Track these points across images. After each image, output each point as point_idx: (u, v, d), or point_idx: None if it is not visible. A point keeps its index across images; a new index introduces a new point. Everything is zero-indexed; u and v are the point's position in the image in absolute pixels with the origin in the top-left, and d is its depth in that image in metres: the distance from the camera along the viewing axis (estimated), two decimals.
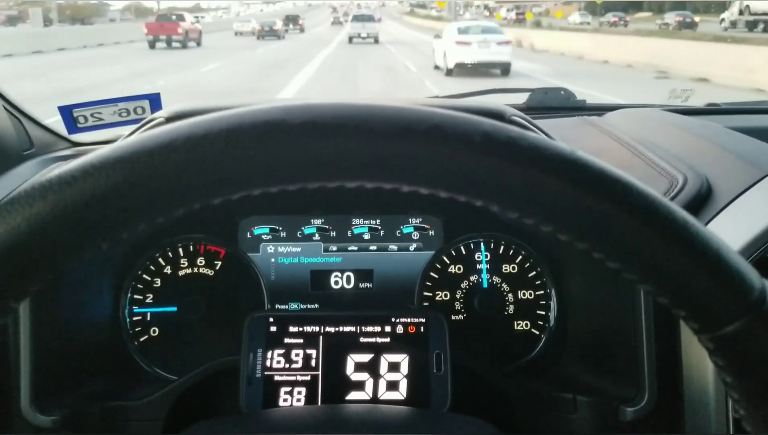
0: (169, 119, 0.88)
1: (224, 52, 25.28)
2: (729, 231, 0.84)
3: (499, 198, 0.39)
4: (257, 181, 0.38)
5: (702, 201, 0.92)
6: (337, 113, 0.38)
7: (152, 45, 27.35)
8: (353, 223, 1.15)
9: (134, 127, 1.15)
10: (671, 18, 36.30)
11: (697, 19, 36.16)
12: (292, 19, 43.35)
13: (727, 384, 0.40)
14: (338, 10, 70.63)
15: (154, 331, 1.09)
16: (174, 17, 28.40)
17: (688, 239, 0.38)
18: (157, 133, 0.37)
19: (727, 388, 0.40)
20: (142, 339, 1.09)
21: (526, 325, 1.11)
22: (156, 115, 0.92)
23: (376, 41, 31.30)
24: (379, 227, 1.15)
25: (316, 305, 1.13)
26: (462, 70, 16.18)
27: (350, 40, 31.53)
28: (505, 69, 16.80)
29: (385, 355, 0.94)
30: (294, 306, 1.13)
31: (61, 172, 0.37)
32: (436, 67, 17.80)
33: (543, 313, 1.11)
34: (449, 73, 16.44)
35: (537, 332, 1.11)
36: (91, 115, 1.42)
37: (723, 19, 33.50)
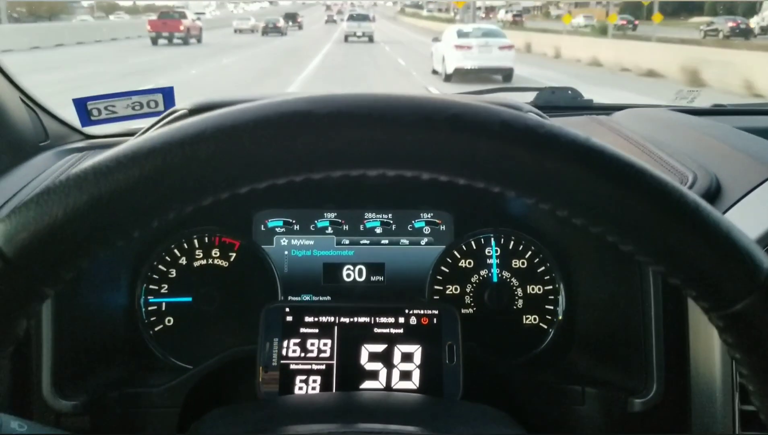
0: (192, 111, 0.90)
1: (236, 48, 26.58)
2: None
3: (517, 184, 0.40)
4: (284, 169, 0.39)
5: (711, 198, 0.94)
6: (361, 103, 0.39)
7: (155, 41, 27.82)
8: (365, 217, 1.17)
9: (153, 119, 1.16)
10: (722, 23, 30.25)
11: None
12: (291, 17, 45.20)
13: (737, 360, 0.42)
14: (332, 8, 71.90)
15: (169, 321, 1.11)
16: (176, 15, 28.87)
17: (699, 221, 0.39)
18: (187, 124, 0.39)
19: (737, 364, 0.42)
20: (157, 328, 1.11)
21: (535, 319, 1.13)
22: (179, 107, 0.93)
23: (371, 40, 32.00)
24: (391, 221, 1.17)
25: (328, 297, 1.15)
26: (462, 75, 15.40)
27: (346, 38, 32.06)
28: (507, 75, 15.92)
29: (398, 346, 0.96)
30: (306, 298, 1.15)
31: (95, 163, 0.38)
32: (434, 72, 16.94)
33: (551, 307, 1.13)
34: (448, 78, 15.64)
35: (545, 326, 1.13)
36: (105, 108, 1.43)
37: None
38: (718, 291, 0.40)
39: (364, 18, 34.10)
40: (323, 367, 0.95)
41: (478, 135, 0.39)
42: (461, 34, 16.62)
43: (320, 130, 0.38)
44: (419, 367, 0.95)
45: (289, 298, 1.14)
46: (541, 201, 0.40)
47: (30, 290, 0.39)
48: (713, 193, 0.95)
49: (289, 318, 0.97)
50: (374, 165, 0.40)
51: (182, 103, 0.90)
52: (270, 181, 0.40)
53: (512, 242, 1.15)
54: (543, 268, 1.14)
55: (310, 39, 33.83)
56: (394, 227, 1.17)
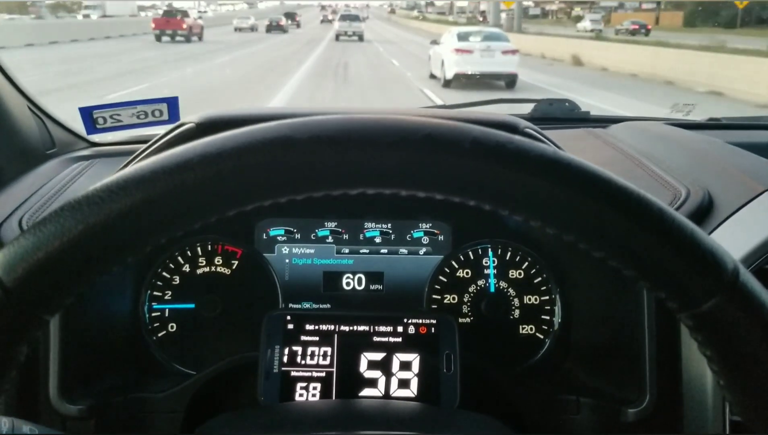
0: (199, 124, 0.92)
1: (246, 44, 29.62)
2: (729, 242, 0.88)
3: (490, 198, 0.43)
4: (267, 193, 0.42)
5: (704, 213, 0.96)
6: (340, 126, 0.42)
7: (158, 38, 29.19)
8: (365, 226, 1.19)
9: (159, 128, 1.18)
10: None
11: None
12: (290, 16, 49.07)
13: (707, 357, 0.44)
14: (327, 9, 74.56)
15: (172, 327, 1.13)
16: (179, 13, 30.30)
17: (664, 225, 0.42)
18: (176, 153, 0.42)
19: (708, 361, 0.44)
20: (160, 334, 1.13)
21: (531, 329, 1.15)
22: (186, 120, 0.96)
23: (361, 39, 33.80)
24: (390, 231, 1.19)
25: (328, 305, 1.17)
26: (462, 81, 14.62)
27: (337, 37, 33.83)
28: (510, 81, 14.98)
29: (397, 354, 0.98)
30: (307, 305, 1.17)
31: (89, 192, 0.41)
32: (432, 77, 16.10)
33: (548, 318, 1.15)
34: (447, 84, 14.76)
35: (541, 336, 1.15)
36: (110, 117, 1.45)
37: None
38: (685, 292, 0.42)
39: (354, 18, 35.87)
40: (323, 374, 0.97)
41: (451, 153, 0.42)
42: (462, 37, 15.75)
43: (300, 155, 0.41)
44: (417, 375, 0.97)
45: (290, 305, 1.16)
46: (514, 212, 0.43)
47: (30, 318, 0.41)
48: (706, 208, 0.97)
49: (290, 326, 0.99)
50: (353, 185, 0.43)
51: (189, 117, 0.93)
52: (256, 203, 0.43)
53: (509, 253, 1.17)
54: (539, 278, 1.16)
55: (308, 36, 36.56)
56: (393, 237, 1.19)
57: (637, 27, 36.98)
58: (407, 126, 0.42)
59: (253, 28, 41.10)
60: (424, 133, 0.42)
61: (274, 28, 40.19)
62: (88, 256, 0.40)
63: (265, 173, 0.41)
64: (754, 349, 0.42)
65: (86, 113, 1.44)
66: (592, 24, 40.21)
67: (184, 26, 29.44)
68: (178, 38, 29.29)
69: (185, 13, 30.35)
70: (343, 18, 36.24)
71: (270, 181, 0.41)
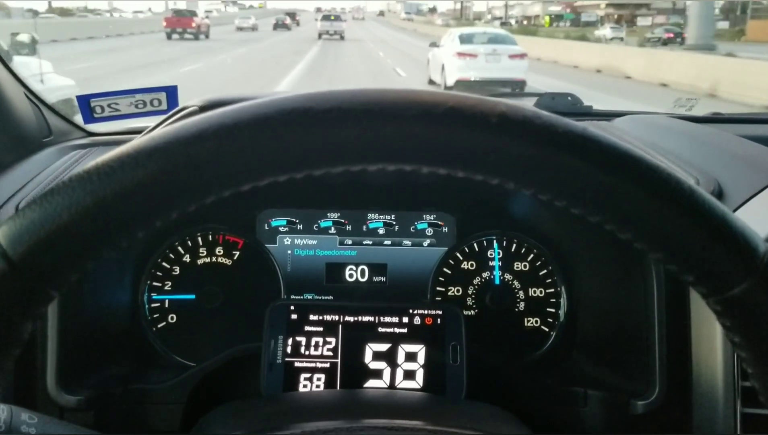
0: (203, 108, 0.90)
1: (256, 41, 33.87)
2: None
3: (515, 175, 0.41)
4: (285, 166, 0.40)
5: None
6: (360, 98, 0.40)
7: (169, 36, 32.34)
8: (369, 217, 1.17)
9: (159, 118, 1.17)
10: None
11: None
12: (291, 15, 55.86)
13: (735, 344, 0.42)
14: (321, 10, 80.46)
15: (172, 318, 1.11)
16: (188, 13, 34.36)
17: (695, 206, 0.40)
18: (189, 124, 0.39)
19: (735, 348, 0.42)
20: (160, 325, 1.11)
21: (537, 321, 1.14)
22: (189, 104, 0.94)
23: (342, 38, 37.30)
24: (394, 223, 1.17)
25: (331, 297, 1.15)
26: (465, 88, 12.65)
27: (319, 36, 37.24)
28: (518, 89, 13.16)
29: (402, 345, 0.96)
30: (309, 297, 1.15)
31: (99, 162, 0.39)
32: (431, 82, 14.82)
33: (553, 310, 1.14)
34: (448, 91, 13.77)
35: (547, 329, 1.14)
36: (108, 106, 1.43)
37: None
38: (715, 276, 0.41)
39: (336, 18, 39.61)
40: (327, 365, 0.95)
41: (476, 127, 0.39)
42: (464, 40, 14.20)
43: (320, 126, 0.39)
44: (423, 366, 0.96)
45: (292, 296, 1.14)
46: (540, 191, 0.41)
47: (35, 293, 0.38)
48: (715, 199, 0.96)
49: (294, 316, 0.97)
50: (373, 160, 0.41)
51: (192, 100, 0.91)
52: (271, 178, 0.40)
53: (514, 245, 1.16)
54: (545, 270, 1.15)
55: (308, 34, 40.73)
56: (396, 228, 1.17)
57: (672, 36, 33.79)
58: (431, 99, 0.40)
59: (253, 28, 44.78)
60: (448, 106, 0.40)
61: (279, 27, 46.05)
62: (96, 229, 0.38)
63: (283, 145, 0.39)
64: None
65: (84, 102, 1.42)
66: (612, 32, 38.39)
67: (193, 24, 32.93)
68: (186, 36, 32.54)
69: (194, 13, 34.49)
70: (325, 18, 39.96)
71: (288, 153, 0.39)
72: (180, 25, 32.73)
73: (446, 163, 0.41)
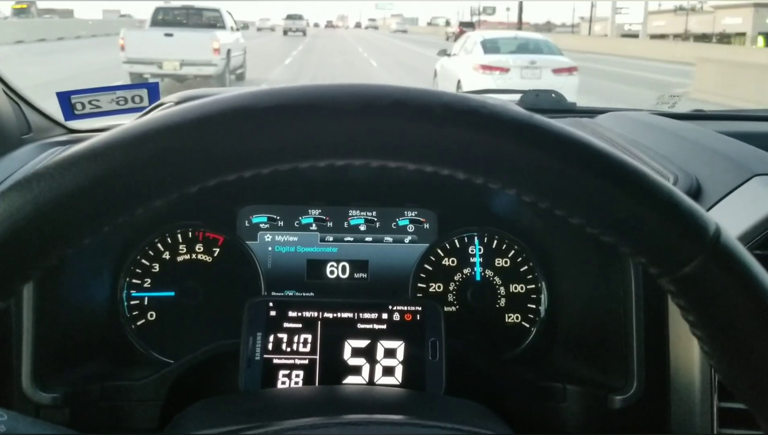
0: (179, 103, 0.89)
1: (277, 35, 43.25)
2: None
3: (464, 165, 0.41)
4: (231, 166, 0.39)
5: (692, 199, 0.95)
6: (304, 94, 0.39)
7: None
8: (350, 214, 1.17)
9: (134, 115, 1.16)
10: None
11: None
12: (298, 17, 65.85)
13: (690, 323, 0.42)
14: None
15: (152, 315, 1.10)
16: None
17: (641, 187, 0.40)
18: (137, 124, 0.39)
19: (691, 327, 0.42)
20: (139, 323, 1.10)
21: (517, 317, 1.14)
22: (166, 99, 0.93)
23: (304, 34, 47.99)
24: (375, 219, 1.17)
25: (312, 294, 1.15)
26: None
27: (285, 33, 47.99)
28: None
29: (381, 342, 0.96)
30: (290, 294, 1.15)
31: (59, 159, 0.38)
32: None
33: (534, 306, 1.14)
34: None
35: (527, 325, 1.14)
36: (89, 103, 1.42)
37: None
38: (666, 255, 0.41)
39: (298, 18, 53.35)
40: (306, 361, 0.95)
41: (421, 118, 0.39)
42: (489, 48, 10.91)
43: (265, 124, 0.39)
44: (402, 362, 0.95)
45: (272, 293, 1.14)
46: (489, 180, 0.41)
47: (7, 274, 0.38)
48: (694, 194, 0.96)
49: (273, 312, 0.97)
50: (320, 156, 0.40)
51: (169, 96, 0.90)
52: (217, 179, 0.40)
53: (496, 241, 1.16)
54: (526, 267, 1.15)
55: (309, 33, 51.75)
56: (378, 225, 1.17)
57: None
58: (375, 92, 0.40)
59: (272, 28, 52.50)
60: (392, 99, 0.40)
61: (292, 31, 53.08)
62: (38, 237, 0.37)
63: (226, 145, 0.38)
64: (737, 312, 0.40)
65: (64, 98, 1.41)
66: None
67: None
68: None
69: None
70: (289, 17, 52.37)
71: (231, 153, 0.39)
72: None
73: (393, 157, 0.41)
